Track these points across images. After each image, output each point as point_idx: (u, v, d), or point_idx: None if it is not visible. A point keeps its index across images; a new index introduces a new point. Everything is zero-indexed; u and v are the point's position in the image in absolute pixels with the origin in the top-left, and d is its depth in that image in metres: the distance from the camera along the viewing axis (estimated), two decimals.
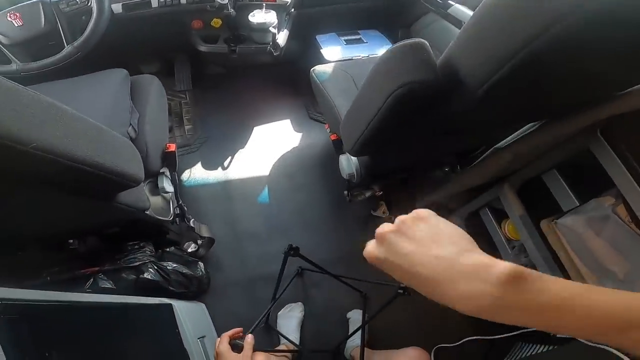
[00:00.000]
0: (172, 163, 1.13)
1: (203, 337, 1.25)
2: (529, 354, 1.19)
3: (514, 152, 1.09)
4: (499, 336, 1.33)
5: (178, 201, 1.27)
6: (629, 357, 0.68)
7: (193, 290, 1.44)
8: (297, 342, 1.41)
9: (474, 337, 1.40)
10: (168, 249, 1.51)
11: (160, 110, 1.18)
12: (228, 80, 2.12)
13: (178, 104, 2.00)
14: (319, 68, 1.45)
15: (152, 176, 1.12)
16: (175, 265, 1.33)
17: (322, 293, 1.58)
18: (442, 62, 0.74)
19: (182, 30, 1.64)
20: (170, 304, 1.19)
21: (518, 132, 1.14)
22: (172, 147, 1.11)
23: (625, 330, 0.25)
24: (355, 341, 1.40)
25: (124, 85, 1.13)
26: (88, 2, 1.24)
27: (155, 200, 1.17)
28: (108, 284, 1.15)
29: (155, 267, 1.25)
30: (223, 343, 0.73)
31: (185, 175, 1.78)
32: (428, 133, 0.95)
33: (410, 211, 0.36)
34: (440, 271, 0.29)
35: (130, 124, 1.03)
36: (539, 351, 1.16)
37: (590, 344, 0.80)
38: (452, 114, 0.80)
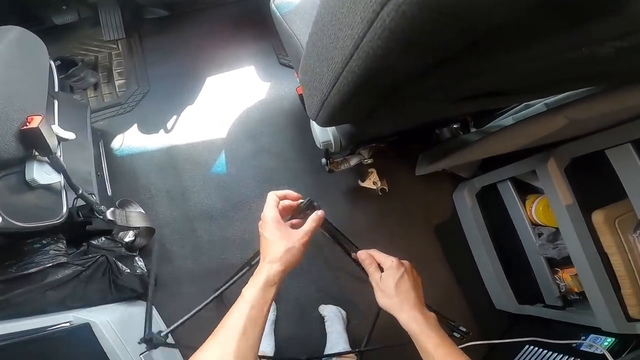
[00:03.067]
0: (40, 144, 0.73)
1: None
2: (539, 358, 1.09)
3: (570, 117, 0.70)
4: (500, 341, 1.16)
5: (77, 191, 0.88)
6: None
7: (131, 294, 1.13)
8: (272, 350, 1.14)
9: (475, 342, 1.14)
10: (96, 242, 1.18)
11: (13, 72, 0.76)
12: (173, 25, 1.64)
13: (107, 56, 1.59)
14: None
15: (6, 166, 0.73)
16: None
17: (297, 284, 1.29)
18: None
19: None
20: (88, 323, 0.91)
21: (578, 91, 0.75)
22: (34, 121, 0.70)
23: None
24: (340, 345, 1.14)
25: None
26: None
27: (28, 199, 0.79)
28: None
29: (63, 274, 0.92)
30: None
31: (116, 143, 1.38)
32: (453, 99, 0.54)
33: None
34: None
35: None
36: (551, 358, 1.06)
37: None
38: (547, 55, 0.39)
